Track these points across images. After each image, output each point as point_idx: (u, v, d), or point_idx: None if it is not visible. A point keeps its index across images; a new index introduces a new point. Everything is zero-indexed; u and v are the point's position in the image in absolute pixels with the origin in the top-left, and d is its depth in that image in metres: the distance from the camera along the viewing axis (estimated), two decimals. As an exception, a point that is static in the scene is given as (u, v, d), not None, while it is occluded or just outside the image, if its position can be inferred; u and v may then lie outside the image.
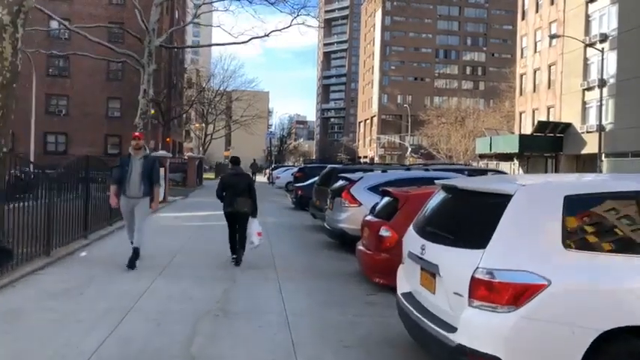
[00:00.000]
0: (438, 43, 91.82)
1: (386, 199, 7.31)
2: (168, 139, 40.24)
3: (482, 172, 17.34)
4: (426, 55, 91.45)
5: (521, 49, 42.22)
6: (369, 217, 7.38)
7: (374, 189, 9.09)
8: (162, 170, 17.23)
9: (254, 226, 8.20)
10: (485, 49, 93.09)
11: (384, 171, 9.85)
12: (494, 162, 41.39)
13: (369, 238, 6.98)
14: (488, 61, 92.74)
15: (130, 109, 31.83)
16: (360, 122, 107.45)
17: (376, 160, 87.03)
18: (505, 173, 21.20)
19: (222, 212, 8.40)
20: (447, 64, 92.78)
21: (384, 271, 6.18)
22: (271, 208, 19.07)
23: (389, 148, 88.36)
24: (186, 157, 28.44)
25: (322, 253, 9.59)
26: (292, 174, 33.25)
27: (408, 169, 12.49)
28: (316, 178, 19.26)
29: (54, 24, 31.38)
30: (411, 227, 4.50)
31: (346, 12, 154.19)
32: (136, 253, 7.69)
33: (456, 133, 55.20)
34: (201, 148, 56.87)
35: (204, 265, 8.16)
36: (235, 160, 8.76)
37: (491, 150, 39.19)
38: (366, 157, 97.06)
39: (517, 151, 35.34)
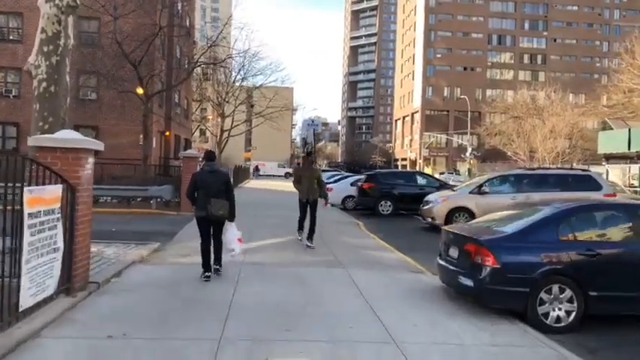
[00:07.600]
0: (490, 28, 79.21)
1: None
2: (167, 133, 28.80)
3: None
4: (477, 42, 78.90)
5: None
6: None
7: None
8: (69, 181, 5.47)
9: (232, 232, 7.18)
10: (545, 34, 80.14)
11: None
12: (627, 164, 29.21)
13: None
14: (550, 47, 79.79)
15: (111, 88, 22.58)
16: (396, 120, 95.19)
17: (419, 162, 74.66)
18: None
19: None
20: (501, 52, 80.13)
21: None
22: (383, 295, 6.81)
23: (434, 148, 75.99)
24: (180, 158, 16.36)
25: None
26: (354, 184, 21.33)
27: None
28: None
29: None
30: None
31: (375, 2, 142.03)
32: None
33: (541, 129, 42.81)
34: (217, 148, 45.44)
35: None
36: (210, 156, 7.46)
37: (630, 148, 27.02)
38: (405, 159, 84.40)
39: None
